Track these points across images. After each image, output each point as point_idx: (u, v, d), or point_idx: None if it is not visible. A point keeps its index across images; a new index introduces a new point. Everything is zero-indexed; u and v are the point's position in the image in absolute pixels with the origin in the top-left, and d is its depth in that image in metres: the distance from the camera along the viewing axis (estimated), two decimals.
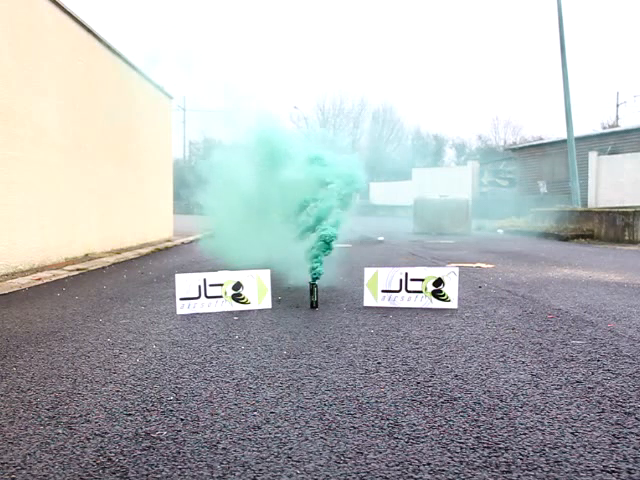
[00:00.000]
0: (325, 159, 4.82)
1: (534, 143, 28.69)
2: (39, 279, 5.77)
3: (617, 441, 1.81)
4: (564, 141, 18.91)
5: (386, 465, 1.65)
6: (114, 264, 7.48)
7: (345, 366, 2.66)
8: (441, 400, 2.19)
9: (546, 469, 1.62)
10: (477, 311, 4.04)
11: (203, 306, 3.98)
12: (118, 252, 8.87)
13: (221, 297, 4.02)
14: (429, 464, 1.66)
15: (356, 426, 1.94)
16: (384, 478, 1.58)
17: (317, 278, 4.26)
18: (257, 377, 2.49)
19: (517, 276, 6.07)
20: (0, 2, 6.05)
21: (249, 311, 4.01)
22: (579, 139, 19.27)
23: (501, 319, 3.76)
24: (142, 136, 10.79)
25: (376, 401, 2.18)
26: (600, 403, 2.16)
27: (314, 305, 4.15)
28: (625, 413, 2.05)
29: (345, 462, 1.67)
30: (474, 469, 1.62)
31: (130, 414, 2.06)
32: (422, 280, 4.13)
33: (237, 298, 4.05)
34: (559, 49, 16.24)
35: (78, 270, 6.59)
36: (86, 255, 8.13)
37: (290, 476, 1.59)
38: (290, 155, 4.98)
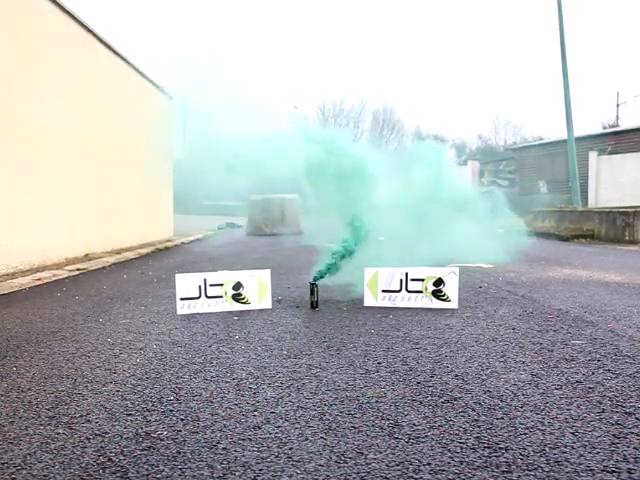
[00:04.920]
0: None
1: (534, 143, 28.70)
2: (39, 279, 5.77)
3: (617, 441, 1.81)
4: (564, 141, 18.92)
5: (386, 465, 1.65)
6: (114, 264, 7.49)
7: (345, 366, 2.66)
8: (441, 400, 2.19)
9: (546, 469, 1.62)
10: (477, 311, 4.04)
11: (203, 306, 3.98)
12: (118, 252, 8.87)
13: (221, 297, 4.02)
14: (429, 464, 1.66)
15: (356, 426, 1.94)
16: (384, 478, 1.58)
17: (321, 277, 4.26)
18: (257, 377, 2.49)
19: (517, 276, 6.07)
20: (0, 2, 6.05)
21: (249, 311, 4.02)
22: (579, 139, 19.27)
23: (501, 319, 3.76)
24: (142, 136, 10.77)
25: (376, 401, 2.18)
26: (600, 403, 2.16)
27: (314, 305, 4.15)
28: (625, 413, 2.05)
29: (345, 462, 1.67)
30: (474, 469, 1.62)
31: (130, 414, 2.06)
32: (422, 280, 4.13)
33: (237, 298, 4.05)
34: (559, 49, 16.25)
35: (78, 270, 6.59)
36: (86, 255, 8.13)
37: (290, 476, 1.59)
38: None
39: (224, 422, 1.98)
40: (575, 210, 15.08)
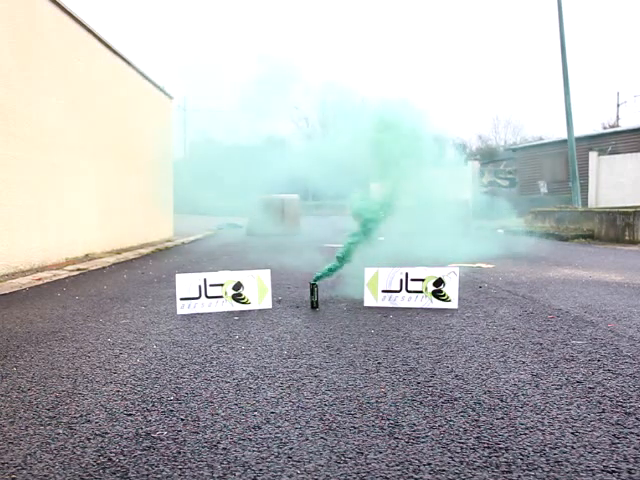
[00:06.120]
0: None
1: (534, 143, 28.72)
2: (39, 279, 5.77)
3: (617, 441, 1.81)
4: (564, 141, 18.93)
5: (386, 465, 1.65)
6: (114, 264, 7.48)
7: (345, 366, 2.66)
8: (441, 400, 2.19)
9: (546, 469, 1.62)
10: (477, 311, 4.04)
11: (203, 306, 3.98)
12: (118, 252, 8.87)
13: (221, 297, 4.02)
14: (429, 464, 1.66)
15: (356, 426, 1.94)
16: (384, 478, 1.58)
17: (322, 278, 4.27)
18: (257, 377, 2.49)
19: (517, 276, 6.07)
20: (0, 2, 6.05)
21: (249, 311, 4.02)
22: (579, 139, 19.28)
23: (501, 319, 3.76)
24: (142, 136, 10.78)
25: (376, 401, 2.18)
26: (600, 403, 2.16)
27: (314, 305, 4.15)
28: (625, 413, 2.05)
29: (345, 462, 1.67)
30: (474, 469, 1.62)
31: (130, 414, 2.06)
32: (422, 280, 4.13)
33: (237, 298, 4.05)
34: (559, 49, 16.25)
35: (78, 270, 6.59)
36: (86, 255, 8.13)
37: (290, 476, 1.59)
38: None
39: (224, 422, 1.98)
40: (575, 210, 15.08)
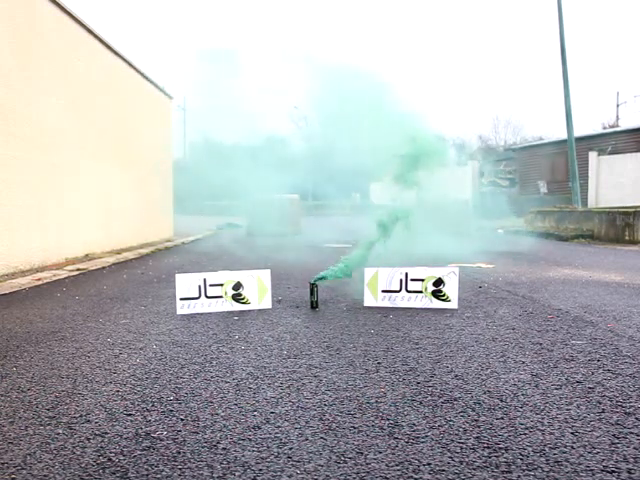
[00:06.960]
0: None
1: (534, 143, 28.72)
2: (39, 279, 5.77)
3: (617, 441, 1.81)
4: (564, 141, 18.91)
5: (386, 465, 1.65)
6: (114, 264, 7.48)
7: (345, 366, 2.66)
8: (441, 400, 2.19)
9: (546, 469, 1.62)
10: (477, 311, 4.04)
11: (203, 306, 3.98)
12: (118, 252, 8.87)
13: (221, 297, 4.02)
14: (429, 464, 1.66)
15: (356, 426, 1.94)
16: (384, 478, 1.58)
17: (322, 279, 4.27)
18: (257, 377, 2.49)
19: (517, 276, 6.07)
20: (0, 2, 6.05)
21: (249, 311, 4.02)
22: (579, 139, 19.27)
23: (501, 319, 3.76)
24: (142, 136, 10.78)
25: (376, 401, 2.18)
26: (600, 403, 2.16)
27: (314, 305, 4.15)
28: (625, 413, 2.05)
29: (345, 462, 1.67)
30: (474, 469, 1.62)
31: (130, 414, 2.06)
32: (422, 280, 4.13)
33: (237, 298, 4.05)
34: (559, 49, 16.24)
35: (78, 270, 6.59)
36: (86, 255, 8.12)
37: (290, 476, 1.59)
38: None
39: (224, 422, 1.98)
40: (575, 210, 15.07)
